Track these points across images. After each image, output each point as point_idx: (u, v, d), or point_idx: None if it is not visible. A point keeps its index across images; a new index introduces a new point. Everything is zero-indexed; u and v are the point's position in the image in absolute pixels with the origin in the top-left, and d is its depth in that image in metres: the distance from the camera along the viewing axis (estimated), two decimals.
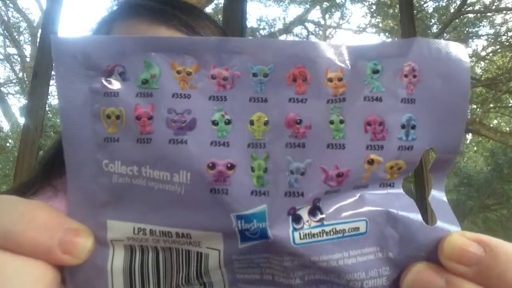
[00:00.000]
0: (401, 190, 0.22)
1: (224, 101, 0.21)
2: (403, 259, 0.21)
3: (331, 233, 0.20)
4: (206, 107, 0.20)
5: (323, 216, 0.20)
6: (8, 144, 8.65)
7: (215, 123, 0.20)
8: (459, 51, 0.21)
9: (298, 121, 0.20)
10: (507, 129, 9.07)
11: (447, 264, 0.20)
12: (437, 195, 0.22)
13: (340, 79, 0.21)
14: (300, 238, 0.20)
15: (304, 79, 0.21)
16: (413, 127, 0.21)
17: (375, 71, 0.21)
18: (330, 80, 0.21)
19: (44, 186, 0.43)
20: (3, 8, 8.96)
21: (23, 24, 9.41)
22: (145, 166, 0.20)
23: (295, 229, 0.20)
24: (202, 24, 0.47)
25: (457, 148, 0.21)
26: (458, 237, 0.20)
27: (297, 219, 0.20)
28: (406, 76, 0.21)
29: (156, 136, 0.20)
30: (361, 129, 0.21)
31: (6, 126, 8.99)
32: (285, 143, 0.20)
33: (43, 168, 0.47)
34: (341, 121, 0.21)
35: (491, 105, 8.08)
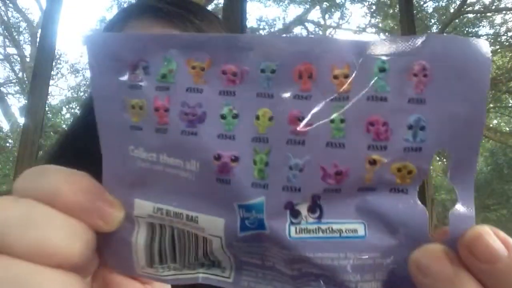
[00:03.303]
0: (414, 197, 0.21)
1: (232, 96, 0.21)
2: (402, 266, 0.20)
3: (327, 231, 0.20)
4: (216, 101, 0.21)
5: (322, 213, 0.21)
6: (8, 144, 8.66)
7: (223, 116, 0.21)
8: (478, 47, 0.20)
9: (301, 118, 0.20)
10: (507, 129, 9.09)
11: (462, 251, 0.18)
12: (461, 209, 0.20)
13: (346, 76, 0.20)
14: (296, 233, 0.20)
15: (309, 75, 0.21)
16: (422, 128, 0.20)
17: (382, 70, 0.20)
18: (336, 77, 0.20)
19: None
20: (3, 8, 8.97)
21: (23, 24, 9.43)
22: (162, 153, 0.21)
23: (292, 223, 0.20)
24: (214, 30, 0.49)
25: (474, 152, 0.20)
26: (486, 228, 0.18)
27: (295, 214, 0.21)
28: (415, 75, 0.20)
29: (171, 127, 0.21)
30: (363, 129, 0.20)
31: (6, 126, 9.00)
32: (286, 140, 0.21)
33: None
34: (342, 120, 0.20)
35: (491, 105, 8.09)
